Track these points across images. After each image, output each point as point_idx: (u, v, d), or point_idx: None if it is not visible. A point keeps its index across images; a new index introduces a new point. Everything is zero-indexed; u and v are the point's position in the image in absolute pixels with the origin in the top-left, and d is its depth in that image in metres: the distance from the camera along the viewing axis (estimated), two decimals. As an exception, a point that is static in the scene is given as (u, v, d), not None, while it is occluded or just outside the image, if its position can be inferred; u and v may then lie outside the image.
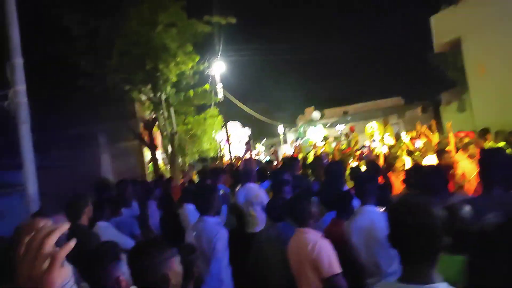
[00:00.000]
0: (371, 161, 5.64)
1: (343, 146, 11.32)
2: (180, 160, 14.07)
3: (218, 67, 17.23)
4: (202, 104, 15.00)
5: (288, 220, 3.39)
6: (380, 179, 4.59)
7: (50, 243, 0.75)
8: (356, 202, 3.55)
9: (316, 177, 5.99)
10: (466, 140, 6.26)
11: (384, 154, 6.71)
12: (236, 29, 13.84)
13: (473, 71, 11.14)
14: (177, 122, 13.99)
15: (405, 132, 9.44)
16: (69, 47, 10.69)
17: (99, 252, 2.13)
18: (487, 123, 8.74)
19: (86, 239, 2.94)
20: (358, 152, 8.43)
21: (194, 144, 15.59)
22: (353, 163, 7.27)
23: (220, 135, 18.34)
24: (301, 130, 21.03)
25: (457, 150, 5.91)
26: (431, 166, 3.37)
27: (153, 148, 13.58)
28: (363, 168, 6.08)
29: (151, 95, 12.43)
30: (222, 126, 17.22)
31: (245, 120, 22.79)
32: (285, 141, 25.65)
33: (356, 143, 11.39)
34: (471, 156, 5.54)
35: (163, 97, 12.29)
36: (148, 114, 15.65)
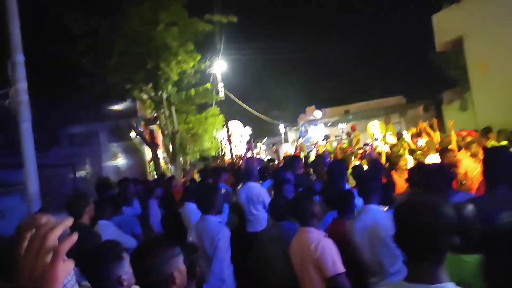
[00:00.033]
0: (374, 160, 5.62)
1: (345, 145, 11.29)
2: (181, 159, 14.06)
3: (219, 66, 17.21)
4: (203, 103, 14.99)
5: (290, 219, 3.38)
6: (383, 178, 4.56)
7: (53, 237, 0.74)
8: (358, 201, 3.53)
9: (317, 176, 5.98)
10: (469, 139, 6.23)
11: (386, 153, 6.68)
12: (237, 28, 13.83)
13: (475, 69, 11.09)
14: (178, 121, 13.97)
15: (406, 131, 9.42)
16: (69, 47, 10.68)
17: (100, 251, 2.12)
18: (489, 122, 8.70)
19: (87, 238, 2.93)
20: (360, 151, 8.41)
21: (195, 143, 15.57)
22: (355, 162, 7.25)
23: (221, 134, 18.33)
24: (303, 129, 21.00)
25: (459, 148, 5.88)
26: (434, 165, 3.35)
27: (154, 147, 13.58)
28: (365, 167, 6.06)
29: (152, 94, 12.42)
30: (223, 125, 17.20)
31: (246, 119, 22.78)
32: (286, 140, 25.62)
33: (358, 142, 11.37)
34: (473, 155, 5.52)
35: (164, 96, 12.28)
36: (149, 113, 15.64)
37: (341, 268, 2.65)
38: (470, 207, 1.97)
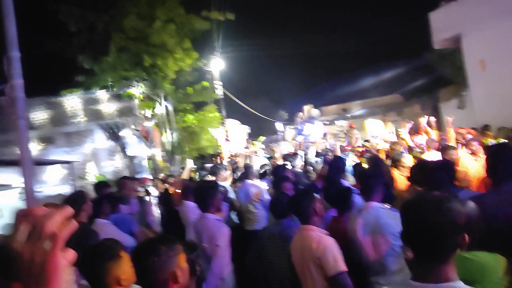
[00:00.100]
0: (375, 157, 5.60)
1: (343, 142, 11.26)
2: (179, 157, 14.02)
3: (216, 64, 17.16)
4: (201, 101, 14.96)
5: (291, 217, 3.35)
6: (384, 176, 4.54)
7: (52, 224, 0.70)
8: (358, 199, 3.50)
9: (316, 174, 5.95)
10: (469, 136, 6.23)
11: (386, 151, 6.67)
12: (235, 26, 13.78)
13: (473, 67, 11.10)
14: (176, 119, 13.93)
15: (403, 129, 9.40)
16: (66, 43, 10.61)
17: (98, 250, 2.08)
18: (487, 120, 8.72)
19: (85, 236, 2.89)
20: (361, 149, 8.39)
21: (193, 141, 15.52)
22: (354, 160, 7.23)
23: (218, 132, 18.29)
24: (300, 127, 20.97)
25: (457, 145, 5.88)
26: (436, 162, 3.33)
27: (151, 146, 13.53)
28: (365, 165, 6.03)
29: (150, 91, 12.38)
30: (221, 124, 17.17)
31: (244, 117, 22.73)
32: (284, 138, 25.61)
33: (356, 140, 11.34)
34: (472, 153, 5.51)
35: (162, 94, 12.23)
36: (146, 111, 15.57)
37: (343, 267, 2.62)
38: (473, 204, 1.95)
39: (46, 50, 10.57)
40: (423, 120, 7.34)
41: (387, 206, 3.06)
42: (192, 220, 3.95)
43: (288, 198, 3.23)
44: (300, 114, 24.65)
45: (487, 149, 2.98)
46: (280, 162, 7.09)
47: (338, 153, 6.82)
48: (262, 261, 3.47)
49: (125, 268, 1.97)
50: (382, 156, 6.34)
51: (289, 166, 5.99)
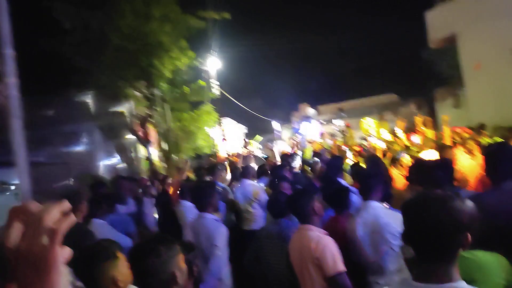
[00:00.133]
0: (373, 156, 5.60)
1: (340, 143, 11.28)
2: (175, 156, 13.97)
3: (212, 63, 17.11)
4: (198, 101, 14.92)
5: (289, 217, 3.32)
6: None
7: (49, 218, 0.67)
8: (356, 198, 3.49)
9: (314, 173, 5.94)
10: (465, 135, 6.25)
11: (383, 150, 6.68)
12: (231, 25, 13.74)
13: (469, 67, 11.15)
14: (172, 118, 13.88)
15: (399, 129, 9.42)
16: (61, 42, 10.51)
17: (95, 250, 2.04)
18: (483, 119, 8.75)
19: (81, 236, 2.85)
20: (358, 149, 8.40)
21: (189, 141, 15.46)
22: (351, 159, 7.23)
23: (215, 132, 18.23)
24: (296, 126, 20.98)
25: (454, 144, 5.90)
26: (435, 161, 3.32)
27: (148, 145, 13.46)
28: (362, 164, 6.03)
29: (146, 91, 12.31)
30: (217, 123, 17.11)
31: (241, 117, 22.69)
32: (280, 138, 25.61)
33: (352, 139, 11.36)
34: (469, 152, 5.53)
35: (158, 93, 12.17)
36: (142, 111, 15.49)
37: (342, 267, 2.60)
38: (471, 204, 1.94)
39: (41, 49, 10.47)
40: (419, 119, 7.36)
41: (385, 205, 3.05)
42: (189, 220, 3.92)
43: (287, 197, 3.21)
44: (295, 113, 24.66)
45: (486, 149, 2.96)
46: (278, 161, 7.07)
47: (336, 152, 6.81)
48: (260, 261, 3.45)
49: (121, 269, 1.93)
50: (380, 155, 6.34)
51: (286, 166, 5.96)
